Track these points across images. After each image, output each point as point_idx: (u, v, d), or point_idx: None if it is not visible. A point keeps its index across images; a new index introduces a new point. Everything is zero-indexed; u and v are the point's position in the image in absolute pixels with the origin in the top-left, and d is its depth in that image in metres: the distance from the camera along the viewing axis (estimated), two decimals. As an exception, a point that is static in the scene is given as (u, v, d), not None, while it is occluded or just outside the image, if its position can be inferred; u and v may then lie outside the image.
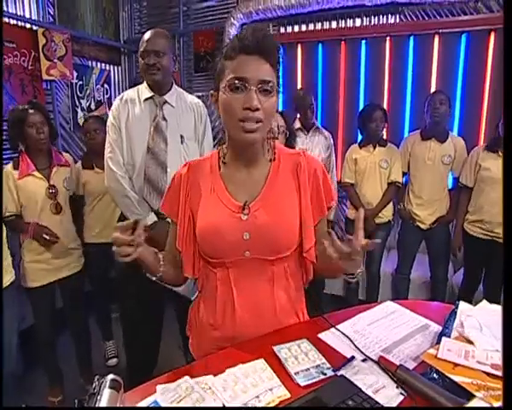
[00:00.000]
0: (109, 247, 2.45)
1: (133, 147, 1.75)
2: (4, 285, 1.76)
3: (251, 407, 0.78)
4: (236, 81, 0.86)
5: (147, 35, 1.73)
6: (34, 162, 1.95)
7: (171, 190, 1.05)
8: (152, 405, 0.79)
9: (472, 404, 0.67)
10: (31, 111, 1.90)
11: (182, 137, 1.80)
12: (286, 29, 3.46)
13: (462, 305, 1.07)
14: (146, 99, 1.78)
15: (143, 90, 1.80)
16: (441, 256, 2.71)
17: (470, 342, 0.91)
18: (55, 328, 2.13)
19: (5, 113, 2.65)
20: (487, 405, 0.66)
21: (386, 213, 2.75)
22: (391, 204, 2.78)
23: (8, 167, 1.90)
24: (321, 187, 1.00)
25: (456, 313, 1.06)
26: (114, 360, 2.59)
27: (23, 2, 2.84)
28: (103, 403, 0.70)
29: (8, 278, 1.80)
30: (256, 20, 3.43)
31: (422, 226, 2.67)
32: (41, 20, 2.95)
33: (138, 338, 1.93)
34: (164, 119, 1.77)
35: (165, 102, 1.79)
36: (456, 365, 0.84)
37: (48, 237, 1.93)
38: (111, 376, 0.76)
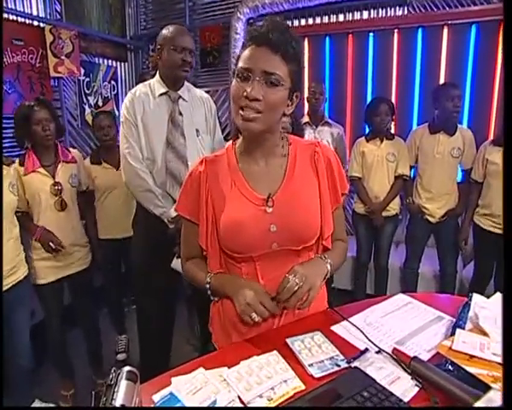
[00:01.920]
0: (118, 242, 2.47)
1: (152, 142, 1.76)
2: (18, 279, 1.79)
3: (250, 407, 0.78)
4: (243, 70, 0.87)
5: (175, 30, 1.73)
6: (40, 159, 1.96)
7: (189, 188, 1.02)
8: (167, 397, 0.80)
9: (488, 396, 0.67)
10: (36, 108, 1.90)
11: (197, 130, 1.84)
12: (293, 23, 3.44)
13: (476, 297, 1.07)
14: (160, 94, 1.78)
15: (157, 86, 1.80)
16: (450, 250, 2.69)
17: (485, 334, 0.91)
18: (64, 324, 2.14)
19: (14, 111, 2.68)
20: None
21: (394, 207, 2.74)
22: (398, 198, 2.77)
23: (16, 164, 1.90)
24: (336, 175, 1.01)
25: (469, 305, 1.05)
26: (123, 355, 2.62)
27: (30, 0, 2.85)
28: (121, 394, 0.70)
29: (22, 272, 1.83)
30: (263, 14, 3.42)
31: (431, 220, 2.66)
32: (48, 17, 2.96)
33: (153, 332, 1.97)
34: (180, 113, 1.80)
35: (180, 97, 1.81)
36: (471, 356, 0.84)
37: (53, 246, 1.93)
38: (127, 367, 0.77)
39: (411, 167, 2.72)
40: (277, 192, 0.96)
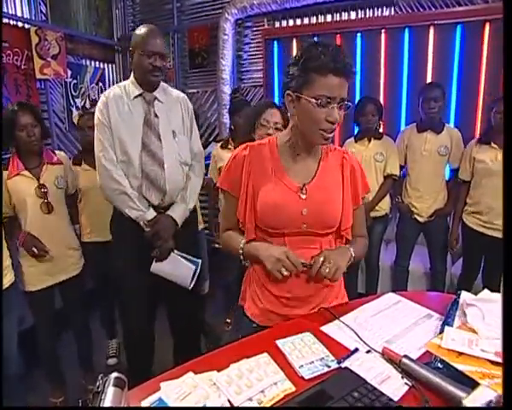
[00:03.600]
0: (102, 245, 2.42)
1: (126, 145, 1.73)
2: (4, 287, 1.75)
3: (249, 408, 0.78)
4: (325, 99, 1.01)
5: (146, 32, 1.70)
6: (24, 162, 1.92)
7: (232, 168, 1.19)
8: (157, 402, 0.78)
9: (476, 392, 0.67)
10: (20, 113, 1.86)
11: (173, 132, 1.81)
12: (281, 23, 3.45)
13: (464, 294, 1.08)
14: (135, 96, 1.75)
15: (131, 88, 1.76)
16: (440, 248, 2.71)
17: (473, 331, 0.92)
18: (54, 330, 2.11)
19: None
20: (493, 392, 0.66)
21: (383, 207, 2.75)
22: (388, 197, 2.78)
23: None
24: (358, 181, 1.19)
25: (458, 302, 1.06)
26: (113, 360, 2.58)
27: (15, 1, 2.81)
28: (108, 401, 0.69)
29: (9, 279, 1.79)
30: (251, 15, 3.42)
31: (420, 219, 2.68)
32: (33, 18, 2.91)
33: (134, 334, 1.96)
34: (155, 115, 1.77)
35: (155, 98, 1.78)
36: (460, 353, 0.85)
37: (36, 251, 1.89)
38: (115, 374, 0.76)
39: (401, 167, 2.74)
40: (311, 183, 1.14)
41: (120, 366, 2.55)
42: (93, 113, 2.62)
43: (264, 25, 3.49)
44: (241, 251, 1.17)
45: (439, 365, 0.84)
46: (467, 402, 0.66)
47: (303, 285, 1.13)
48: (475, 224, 2.45)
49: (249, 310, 1.22)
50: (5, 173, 1.88)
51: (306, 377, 0.85)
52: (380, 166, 2.68)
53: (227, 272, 2.64)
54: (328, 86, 1.00)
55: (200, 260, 1.86)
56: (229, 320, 2.84)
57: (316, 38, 3.29)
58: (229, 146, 2.56)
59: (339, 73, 1.00)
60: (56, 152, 2.10)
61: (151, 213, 1.76)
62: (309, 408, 0.76)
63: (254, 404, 0.78)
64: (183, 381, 0.84)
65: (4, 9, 2.73)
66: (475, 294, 1.08)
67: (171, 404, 0.78)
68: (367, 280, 2.96)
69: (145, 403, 0.79)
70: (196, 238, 2.26)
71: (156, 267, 1.79)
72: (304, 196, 1.12)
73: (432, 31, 2.94)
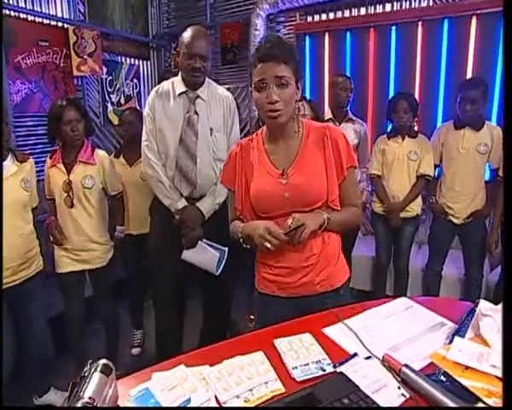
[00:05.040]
0: (139, 237, 2.55)
1: (166, 137, 1.87)
2: (29, 275, 1.86)
3: (247, 407, 0.76)
4: (259, 83, 1.14)
5: (190, 35, 1.78)
6: (63, 156, 2.05)
7: (228, 165, 1.34)
8: (143, 392, 0.79)
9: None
10: (67, 108, 1.98)
11: (211, 129, 1.90)
12: (313, 18, 3.37)
13: (483, 303, 0.99)
14: (180, 93, 1.87)
15: (178, 85, 1.89)
16: (476, 253, 2.54)
17: (486, 344, 0.84)
18: (83, 314, 2.20)
19: (39, 109, 2.80)
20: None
21: (414, 208, 2.62)
22: (420, 198, 2.65)
23: (31, 160, 1.99)
24: (341, 152, 1.23)
25: (474, 311, 0.98)
26: (137, 350, 2.66)
27: (55, 2, 2.94)
28: (91, 386, 0.71)
29: (35, 267, 1.90)
30: (282, 10, 3.37)
31: (456, 221, 2.52)
32: (72, 18, 3.05)
33: (165, 316, 2.11)
34: (196, 113, 1.88)
35: (198, 96, 1.88)
36: (467, 367, 0.78)
37: (52, 238, 2.04)
38: (103, 361, 0.77)
39: (436, 167, 2.59)
40: (290, 167, 1.23)
41: (143, 355, 2.63)
42: (135, 109, 2.74)
43: (296, 20, 3.43)
44: (240, 235, 1.26)
45: (443, 378, 0.78)
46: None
47: (291, 254, 1.22)
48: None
49: (257, 283, 1.34)
50: (49, 162, 2.07)
51: (298, 380, 0.82)
52: (413, 165, 2.56)
53: (250, 269, 2.63)
54: (259, 72, 1.14)
55: (226, 249, 1.96)
56: (252, 316, 2.83)
57: (348, 33, 3.20)
58: None
59: (266, 59, 1.12)
60: (97, 151, 2.15)
61: (182, 203, 1.90)
62: (296, 408, 0.73)
63: (241, 402, 0.77)
64: (173, 373, 0.84)
65: (45, 10, 2.88)
66: None
67: (157, 394, 0.78)
68: (395, 284, 2.84)
69: (133, 392, 0.80)
70: (226, 230, 2.32)
71: (186, 255, 1.93)
72: (284, 181, 1.21)
73: (474, 21, 2.74)
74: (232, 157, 1.33)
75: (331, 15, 3.29)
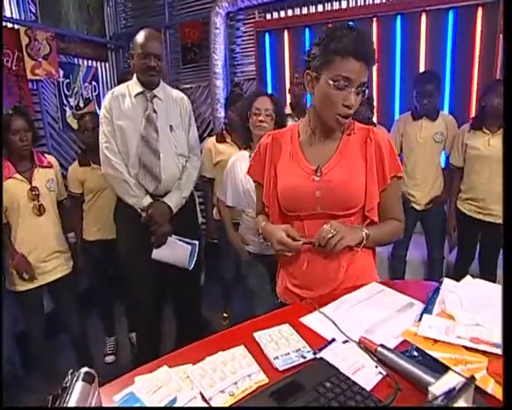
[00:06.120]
0: (109, 243, 2.55)
1: (127, 137, 1.88)
2: None
3: (214, 407, 0.77)
4: (343, 81, 1.01)
5: (143, 36, 1.83)
6: (15, 165, 1.95)
7: (257, 157, 1.27)
8: (128, 396, 0.78)
9: (444, 377, 0.66)
10: (14, 117, 1.90)
11: (171, 126, 1.94)
12: (272, 15, 3.41)
13: (446, 281, 1.06)
14: (137, 94, 1.90)
15: (134, 86, 1.92)
16: (437, 236, 2.69)
17: (452, 318, 0.90)
18: (45, 331, 2.10)
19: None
20: (460, 378, 0.65)
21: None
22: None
23: None
24: (385, 159, 1.13)
25: (439, 289, 1.05)
26: (111, 357, 2.60)
27: (2, 1, 2.80)
28: (74, 396, 0.69)
29: None
30: (241, 8, 3.39)
31: (417, 207, 2.66)
32: (23, 18, 2.91)
33: (143, 319, 2.11)
34: (154, 111, 1.91)
35: (155, 96, 1.92)
36: (436, 341, 0.84)
37: (26, 277, 1.94)
38: (84, 369, 0.76)
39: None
40: (326, 165, 1.13)
41: (118, 362, 2.57)
42: (93, 112, 2.68)
43: (255, 17, 3.46)
44: (261, 236, 1.24)
45: (415, 353, 0.83)
46: (434, 387, 0.65)
47: (318, 266, 1.16)
48: (470, 210, 2.43)
49: (279, 293, 1.31)
50: None
51: (281, 369, 0.84)
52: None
53: (224, 268, 2.64)
54: (347, 69, 1.00)
55: (197, 242, 1.99)
56: (226, 315, 2.84)
57: (307, 29, 3.27)
58: (227, 139, 2.55)
59: (359, 57, 1.00)
60: (46, 156, 2.12)
61: (147, 200, 1.91)
62: (286, 408, 0.75)
63: (226, 396, 0.78)
64: (156, 375, 0.84)
65: (-8, 11, 2.73)
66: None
67: (142, 397, 0.78)
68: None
69: (117, 397, 0.79)
70: (195, 225, 2.36)
71: (156, 254, 1.92)
72: (317, 179, 1.12)
73: (424, 17, 2.89)
74: (262, 149, 1.25)
75: (290, 12, 3.35)
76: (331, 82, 1.02)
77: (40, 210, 1.95)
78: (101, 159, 1.92)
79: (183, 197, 1.98)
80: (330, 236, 1.04)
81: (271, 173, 1.21)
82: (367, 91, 1.08)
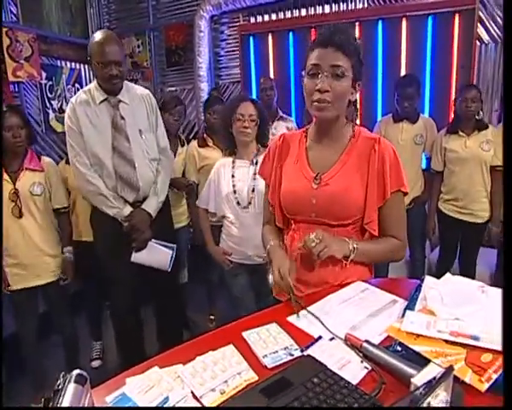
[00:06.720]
0: (89, 245, 2.48)
1: (96, 148, 1.82)
2: None
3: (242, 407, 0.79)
4: (312, 67, 1.05)
5: (101, 42, 1.72)
6: (6, 164, 1.93)
7: (267, 157, 1.30)
8: (120, 397, 0.79)
9: (425, 369, 0.70)
10: (8, 114, 1.88)
11: (140, 131, 1.90)
12: (256, 19, 3.45)
13: (428, 279, 1.10)
14: (101, 101, 1.83)
15: (96, 93, 1.83)
16: (418, 236, 2.76)
17: (433, 314, 0.94)
18: (36, 332, 2.09)
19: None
20: (441, 369, 0.68)
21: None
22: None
23: None
24: (387, 173, 1.11)
25: (421, 286, 1.09)
26: (97, 362, 2.58)
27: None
28: (67, 398, 0.70)
29: None
30: (226, 12, 3.42)
31: (399, 208, 2.72)
32: (3, 19, 2.86)
33: (124, 322, 2.10)
34: (122, 118, 1.85)
35: (120, 101, 1.86)
36: (418, 335, 0.87)
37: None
38: (76, 371, 0.76)
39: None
40: (326, 172, 1.14)
41: (105, 367, 2.55)
42: None
43: (239, 21, 3.49)
44: (266, 254, 1.24)
45: (398, 348, 0.86)
46: (416, 379, 0.68)
47: (312, 264, 1.17)
48: (451, 210, 2.51)
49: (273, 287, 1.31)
50: None
51: (269, 366, 0.86)
52: None
53: (209, 270, 2.65)
54: (315, 56, 1.05)
55: (175, 245, 2.01)
56: (212, 317, 2.85)
57: (291, 33, 3.31)
58: (209, 143, 2.55)
59: (326, 44, 1.03)
60: (44, 158, 2.07)
61: (127, 210, 1.88)
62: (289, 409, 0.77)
63: (217, 394, 0.79)
64: (147, 375, 0.85)
65: (-28, 11, 2.68)
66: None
67: (134, 398, 0.79)
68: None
69: (109, 399, 0.80)
70: (170, 227, 2.33)
71: (136, 257, 1.92)
72: (315, 186, 1.14)
73: (404, 22, 2.97)
74: (272, 149, 1.28)
75: (274, 16, 3.39)
76: (306, 73, 1.08)
77: (19, 212, 1.92)
78: (74, 173, 1.86)
79: (160, 202, 1.99)
80: (314, 244, 1.04)
81: (277, 174, 1.24)
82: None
